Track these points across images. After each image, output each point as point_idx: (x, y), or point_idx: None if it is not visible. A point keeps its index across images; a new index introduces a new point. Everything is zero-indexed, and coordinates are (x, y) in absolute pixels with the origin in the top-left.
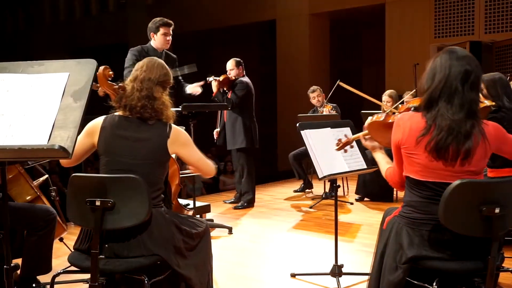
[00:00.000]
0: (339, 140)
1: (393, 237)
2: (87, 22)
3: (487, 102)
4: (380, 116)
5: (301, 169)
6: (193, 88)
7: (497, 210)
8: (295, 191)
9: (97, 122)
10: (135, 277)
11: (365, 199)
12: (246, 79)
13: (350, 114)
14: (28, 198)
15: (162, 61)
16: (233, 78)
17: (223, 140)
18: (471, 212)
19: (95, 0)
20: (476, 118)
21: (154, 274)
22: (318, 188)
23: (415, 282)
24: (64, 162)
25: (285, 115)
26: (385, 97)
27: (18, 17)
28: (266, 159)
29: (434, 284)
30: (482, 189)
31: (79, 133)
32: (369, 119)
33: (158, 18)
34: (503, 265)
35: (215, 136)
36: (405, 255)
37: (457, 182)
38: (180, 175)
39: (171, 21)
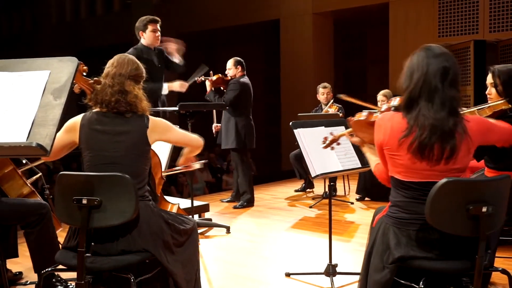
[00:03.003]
0: (325, 138)
1: (380, 237)
2: (92, 22)
3: (501, 103)
4: (363, 115)
5: (302, 169)
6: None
7: (484, 209)
8: (296, 191)
9: (76, 120)
10: (122, 275)
11: (366, 198)
12: (243, 79)
13: (353, 113)
14: (22, 193)
15: (133, 57)
16: (229, 78)
17: (221, 139)
18: (458, 211)
19: (100, 0)
20: (458, 115)
21: (142, 272)
22: (319, 188)
23: (402, 281)
24: (44, 157)
25: (289, 114)
26: (380, 96)
27: (25, 18)
28: (270, 158)
29: (421, 283)
30: (469, 187)
31: (58, 131)
32: (354, 118)
33: (144, 17)
34: (495, 265)
35: (213, 130)
36: (392, 255)
37: (443, 181)
38: (174, 172)
39: (158, 18)
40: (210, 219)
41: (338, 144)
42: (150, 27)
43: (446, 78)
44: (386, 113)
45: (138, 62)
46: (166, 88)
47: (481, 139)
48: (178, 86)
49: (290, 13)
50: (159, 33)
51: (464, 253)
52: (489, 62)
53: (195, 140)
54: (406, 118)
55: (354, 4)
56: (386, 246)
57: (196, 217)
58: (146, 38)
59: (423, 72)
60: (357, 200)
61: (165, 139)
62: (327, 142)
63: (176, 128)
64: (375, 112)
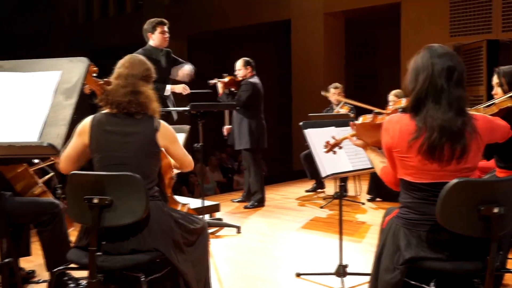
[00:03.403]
0: (327, 142)
1: (391, 238)
2: (104, 23)
3: (507, 99)
4: (368, 118)
5: (313, 169)
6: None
7: (495, 210)
8: (307, 191)
9: (86, 122)
10: (132, 274)
11: (377, 199)
12: (253, 79)
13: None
14: (34, 193)
15: (143, 57)
16: (240, 78)
17: (233, 139)
18: (469, 211)
19: (112, 2)
20: (466, 115)
21: (153, 271)
22: (330, 188)
23: (412, 282)
24: (62, 168)
25: (300, 114)
26: (391, 96)
27: (38, 19)
28: (281, 158)
29: (432, 284)
30: (480, 188)
31: (69, 131)
32: (358, 121)
33: (152, 19)
34: (507, 266)
35: (224, 133)
36: (403, 256)
37: (454, 181)
38: None
39: (166, 20)
40: (221, 219)
41: (340, 148)
42: (159, 29)
43: (452, 78)
44: (393, 115)
45: (149, 62)
46: (168, 89)
47: (489, 137)
48: (181, 88)
49: (301, 13)
50: (167, 34)
51: (475, 254)
52: (502, 62)
53: (188, 162)
54: (415, 120)
55: (366, 4)
56: (396, 247)
57: (207, 217)
58: (155, 39)
59: (429, 73)
60: (368, 200)
61: (169, 149)
62: (329, 146)
63: (180, 143)
64: (381, 114)
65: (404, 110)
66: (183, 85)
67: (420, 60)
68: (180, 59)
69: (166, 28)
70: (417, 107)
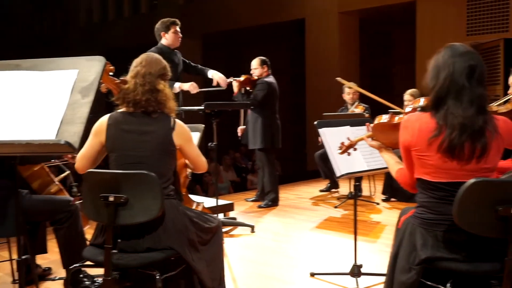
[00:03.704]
0: (342, 143)
1: (407, 237)
2: (120, 23)
3: None
4: (384, 117)
5: (327, 168)
6: (217, 75)
7: None
8: (321, 191)
9: (103, 121)
10: (148, 272)
11: (392, 199)
12: (269, 78)
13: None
14: (51, 191)
15: (159, 56)
16: (255, 77)
17: (247, 139)
18: (486, 212)
19: (127, 2)
20: (487, 113)
21: (168, 269)
22: (344, 188)
23: (429, 283)
24: (79, 168)
25: (314, 114)
26: (406, 95)
27: (55, 19)
28: (295, 158)
29: (448, 285)
30: (498, 188)
31: (86, 130)
32: (374, 121)
33: (165, 19)
34: None
35: (239, 134)
36: (419, 256)
37: (471, 181)
38: None
39: (178, 21)
40: (235, 218)
41: (355, 149)
42: (172, 29)
43: (473, 76)
44: (412, 114)
45: (164, 61)
46: (177, 87)
47: (509, 138)
48: (189, 86)
49: (315, 12)
50: (180, 34)
51: (493, 255)
52: None
53: (202, 163)
54: (435, 117)
55: (380, 2)
56: (412, 247)
57: (221, 216)
58: (168, 39)
59: (450, 71)
60: (383, 200)
61: (184, 148)
62: (344, 147)
63: (194, 143)
64: (398, 114)
65: (423, 108)
66: (192, 83)
67: (441, 59)
68: (199, 66)
69: (178, 28)
70: (438, 104)
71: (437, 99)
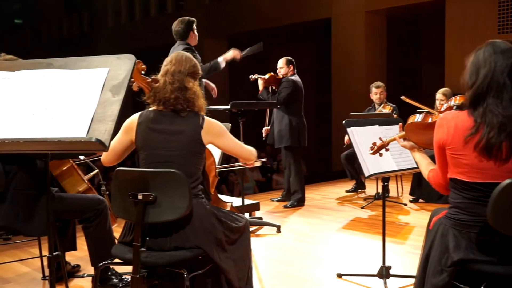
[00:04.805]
0: (374, 143)
1: (439, 239)
2: (146, 23)
3: None
4: (418, 117)
5: (353, 169)
6: (228, 54)
7: None
8: (347, 191)
9: (133, 118)
10: (175, 270)
11: (420, 200)
12: (294, 77)
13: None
14: (80, 189)
15: (189, 54)
16: (281, 76)
17: (273, 138)
18: None
19: (154, 2)
20: None
21: (195, 268)
22: (371, 189)
23: (461, 285)
24: (105, 161)
25: (340, 114)
26: (438, 95)
27: (83, 20)
28: (321, 158)
29: None
30: None
31: (116, 127)
32: (408, 121)
33: (187, 18)
34: None
35: (263, 134)
36: (451, 258)
37: (506, 181)
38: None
39: None
40: (261, 218)
41: (387, 150)
42: (195, 28)
43: None
44: (448, 112)
45: (195, 59)
46: (222, 60)
47: None
48: (232, 54)
49: (342, 12)
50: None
51: None
52: None
53: (246, 152)
54: (472, 116)
55: (408, 1)
56: (444, 249)
57: (246, 215)
58: (193, 37)
59: (491, 68)
60: (411, 201)
61: (216, 143)
62: (376, 147)
63: (230, 135)
64: (432, 113)
65: (459, 107)
66: (233, 50)
67: (482, 55)
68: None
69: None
70: (476, 102)
71: (476, 96)
